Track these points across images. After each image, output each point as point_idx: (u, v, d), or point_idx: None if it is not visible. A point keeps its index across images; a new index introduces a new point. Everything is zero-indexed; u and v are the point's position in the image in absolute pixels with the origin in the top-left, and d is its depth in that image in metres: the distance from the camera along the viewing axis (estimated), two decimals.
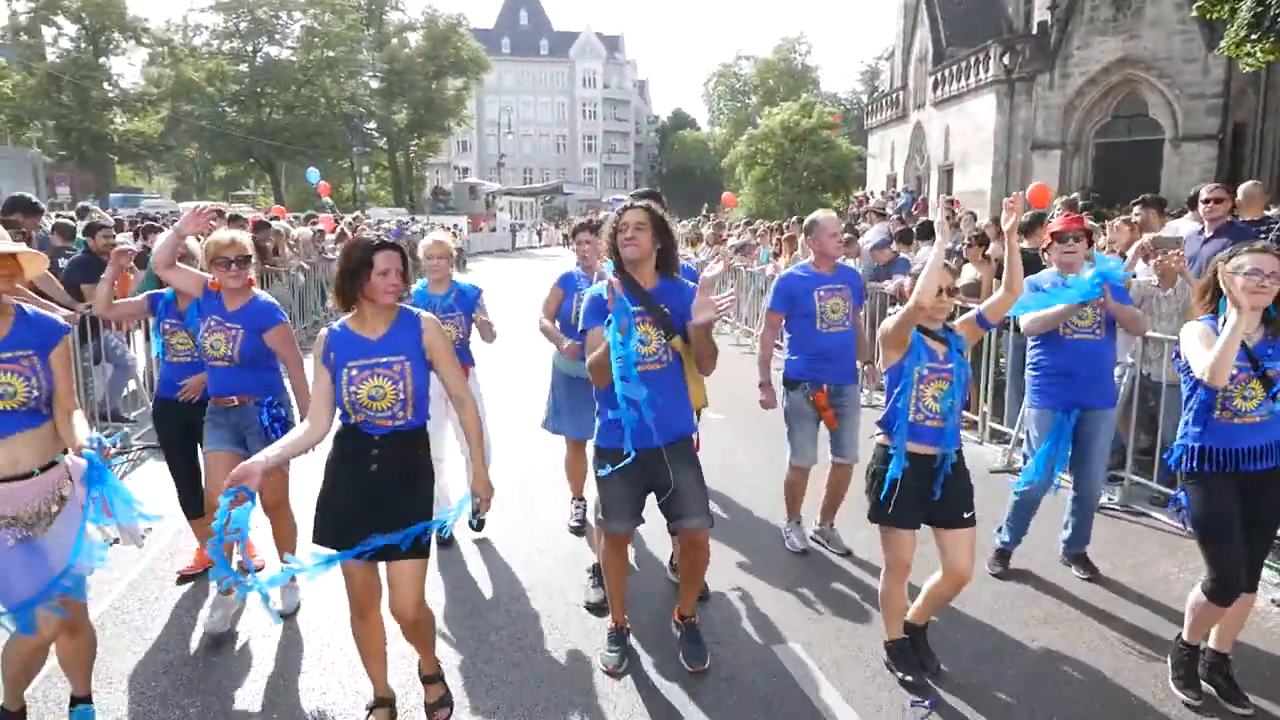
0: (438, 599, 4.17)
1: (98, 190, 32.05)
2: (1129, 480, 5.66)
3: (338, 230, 15.90)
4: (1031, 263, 5.21)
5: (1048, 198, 11.69)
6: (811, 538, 4.90)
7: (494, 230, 42.28)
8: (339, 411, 2.92)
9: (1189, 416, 3.28)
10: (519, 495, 5.61)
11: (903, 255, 8.93)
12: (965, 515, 3.40)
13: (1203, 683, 3.41)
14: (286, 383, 3.96)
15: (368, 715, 3.09)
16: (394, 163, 50.17)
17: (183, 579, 4.36)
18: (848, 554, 4.74)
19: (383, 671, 3.09)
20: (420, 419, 2.95)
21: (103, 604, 4.03)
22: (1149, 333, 5.52)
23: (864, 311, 6.81)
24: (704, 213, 42.14)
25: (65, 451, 2.78)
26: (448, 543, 4.76)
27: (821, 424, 4.66)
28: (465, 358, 4.71)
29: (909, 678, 3.45)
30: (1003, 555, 4.61)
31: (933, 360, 3.33)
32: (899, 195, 27.48)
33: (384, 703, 3.08)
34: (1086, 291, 4.06)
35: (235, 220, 10.85)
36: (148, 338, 6.91)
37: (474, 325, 4.73)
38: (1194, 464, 3.24)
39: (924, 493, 3.37)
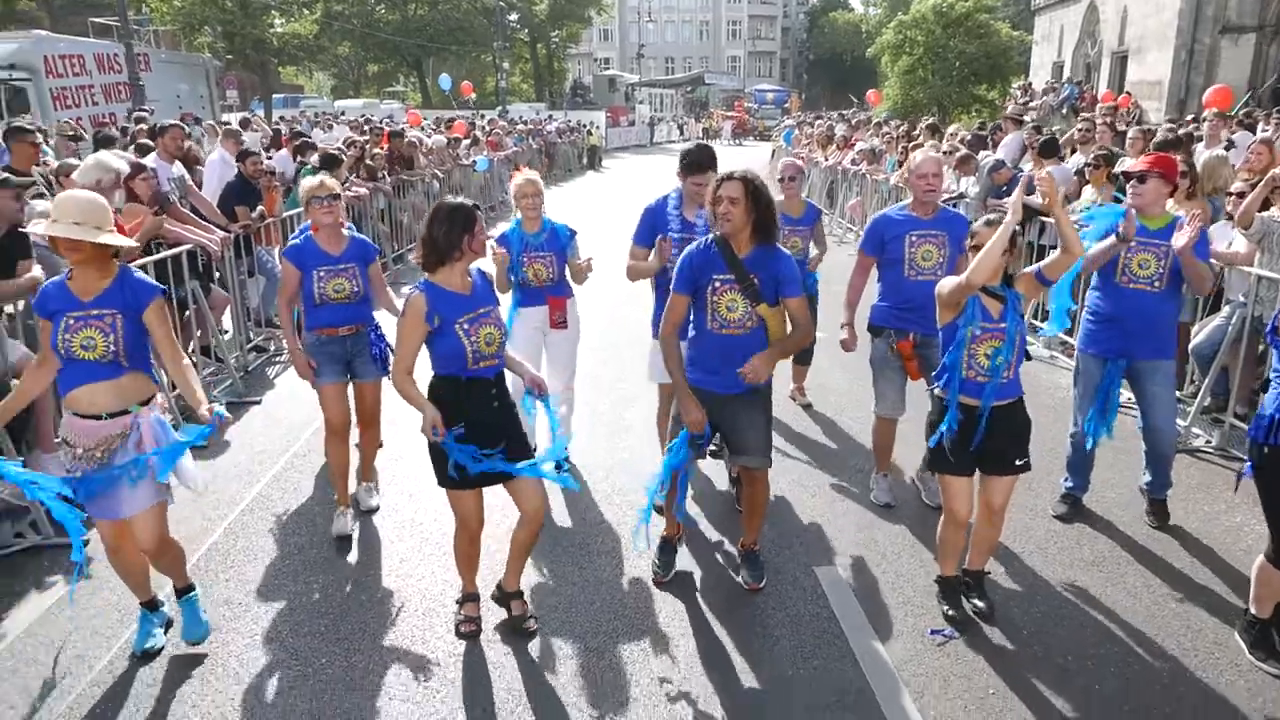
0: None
1: (261, 93, 34.17)
2: (1229, 424, 5.47)
3: (470, 135, 16.42)
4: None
5: (1230, 100, 10.56)
6: (910, 480, 4.99)
7: (632, 124, 42.15)
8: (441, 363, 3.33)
9: None
10: (608, 408, 6.07)
11: (1026, 171, 8.49)
12: (1017, 462, 3.50)
13: None
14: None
15: (459, 606, 3.68)
16: (535, 56, 50.28)
17: None
18: (937, 507, 4.81)
19: (474, 575, 3.68)
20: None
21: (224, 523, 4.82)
22: (1263, 272, 5.23)
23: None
24: (852, 105, 40.30)
25: (146, 403, 3.18)
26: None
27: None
28: (562, 291, 4.90)
29: (951, 612, 3.67)
30: (1067, 499, 4.65)
31: (986, 320, 3.39)
32: (1062, 86, 25.27)
33: (472, 597, 3.68)
34: (1113, 215, 3.98)
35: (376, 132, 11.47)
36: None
37: (567, 266, 4.89)
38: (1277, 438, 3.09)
39: (969, 442, 3.47)
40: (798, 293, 3.55)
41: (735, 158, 28.31)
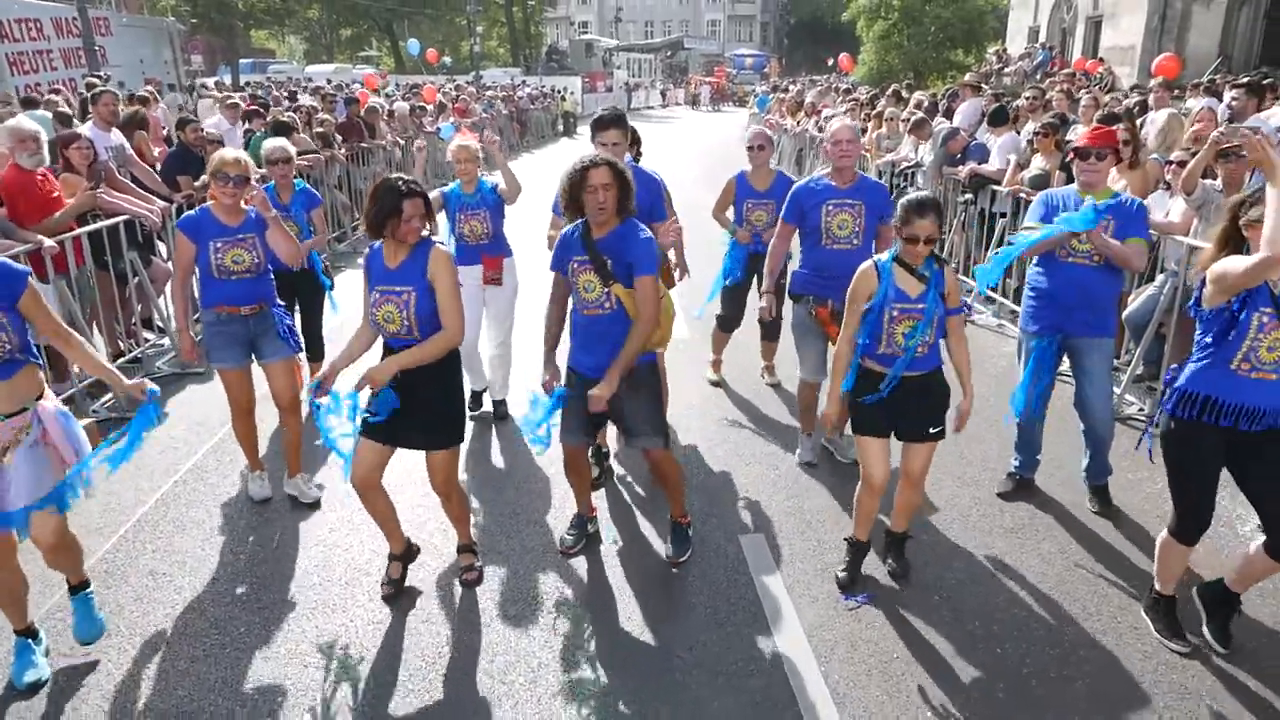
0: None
1: (228, 57, 33.45)
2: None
3: (436, 101, 16.19)
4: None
5: (1177, 69, 10.58)
6: (823, 443, 5.09)
7: (610, 90, 41.65)
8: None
9: (1201, 356, 3.11)
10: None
11: (977, 140, 8.50)
12: (931, 430, 3.56)
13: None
14: None
15: (390, 563, 3.78)
16: (511, 19, 49.49)
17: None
18: (854, 463, 4.90)
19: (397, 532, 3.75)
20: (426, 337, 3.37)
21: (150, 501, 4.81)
22: (1196, 241, 5.27)
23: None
24: (828, 70, 40.01)
25: (38, 398, 3.01)
26: (477, 408, 5.45)
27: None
28: (499, 249, 5.18)
29: (843, 574, 3.76)
30: (1012, 478, 4.65)
31: (902, 300, 3.41)
32: (1036, 52, 25.19)
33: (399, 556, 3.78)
34: (1083, 222, 3.87)
35: (327, 99, 11.30)
36: None
37: (503, 224, 5.19)
38: (1189, 411, 3.12)
39: (886, 407, 3.52)
40: (649, 271, 3.44)
41: (713, 124, 27.89)
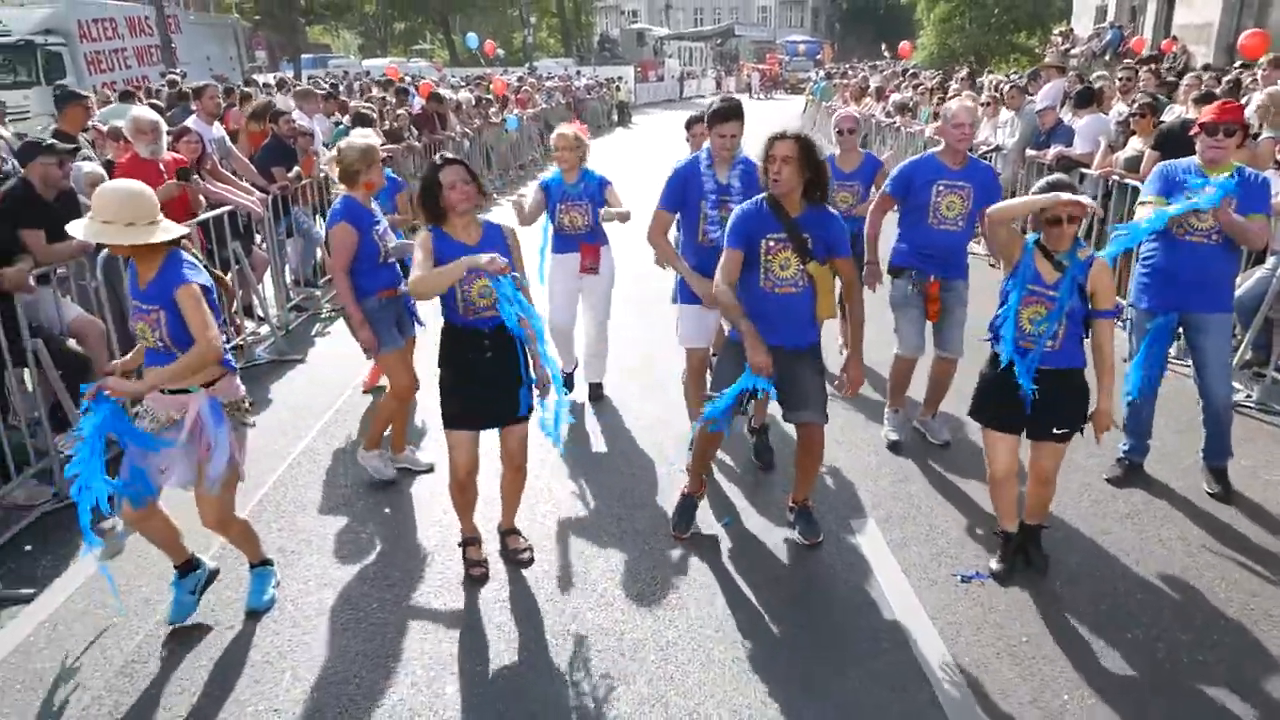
0: (556, 456, 4.84)
1: (289, 52, 34.12)
2: (1271, 378, 5.41)
3: (506, 91, 16.33)
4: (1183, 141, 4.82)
5: (1263, 49, 10.22)
6: (914, 425, 5.09)
7: (661, 79, 41.53)
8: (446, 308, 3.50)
9: None
10: (644, 365, 6.14)
11: (1065, 122, 8.32)
12: (1055, 430, 3.46)
13: None
14: None
15: (465, 548, 3.87)
16: (562, 10, 49.61)
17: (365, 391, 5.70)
18: (945, 445, 4.90)
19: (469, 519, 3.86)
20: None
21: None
22: None
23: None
24: (883, 55, 39.34)
25: (210, 384, 3.17)
26: (570, 388, 5.46)
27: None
28: (596, 237, 5.22)
29: (996, 566, 3.71)
30: (1123, 463, 4.57)
31: (1037, 284, 3.33)
32: (1105, 31, 24.45)
33: (471, 540, 3.88)
34: (1210, 202, 3.83)
35: (402, 93, 11.51)
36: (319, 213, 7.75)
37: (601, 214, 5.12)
38: None
39: (1015, 402, 3.43)
40: (847, 253, 3.61)
41: (768, 112, 27.60)
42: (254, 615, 3.53)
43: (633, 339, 6.56)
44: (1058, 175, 3.37)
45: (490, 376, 3.50)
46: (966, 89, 11.44)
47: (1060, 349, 3.37)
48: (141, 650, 3.34)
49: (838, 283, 3.67)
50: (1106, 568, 3.77)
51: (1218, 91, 7.12)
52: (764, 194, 3.58)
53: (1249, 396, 5.48)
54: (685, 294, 4.45)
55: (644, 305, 6.93)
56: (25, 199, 4.53)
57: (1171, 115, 7.12)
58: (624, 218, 4.95)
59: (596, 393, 5.60)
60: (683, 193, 4.33)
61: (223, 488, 3.27)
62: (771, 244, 3.53)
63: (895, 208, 4.77)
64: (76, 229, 3.06)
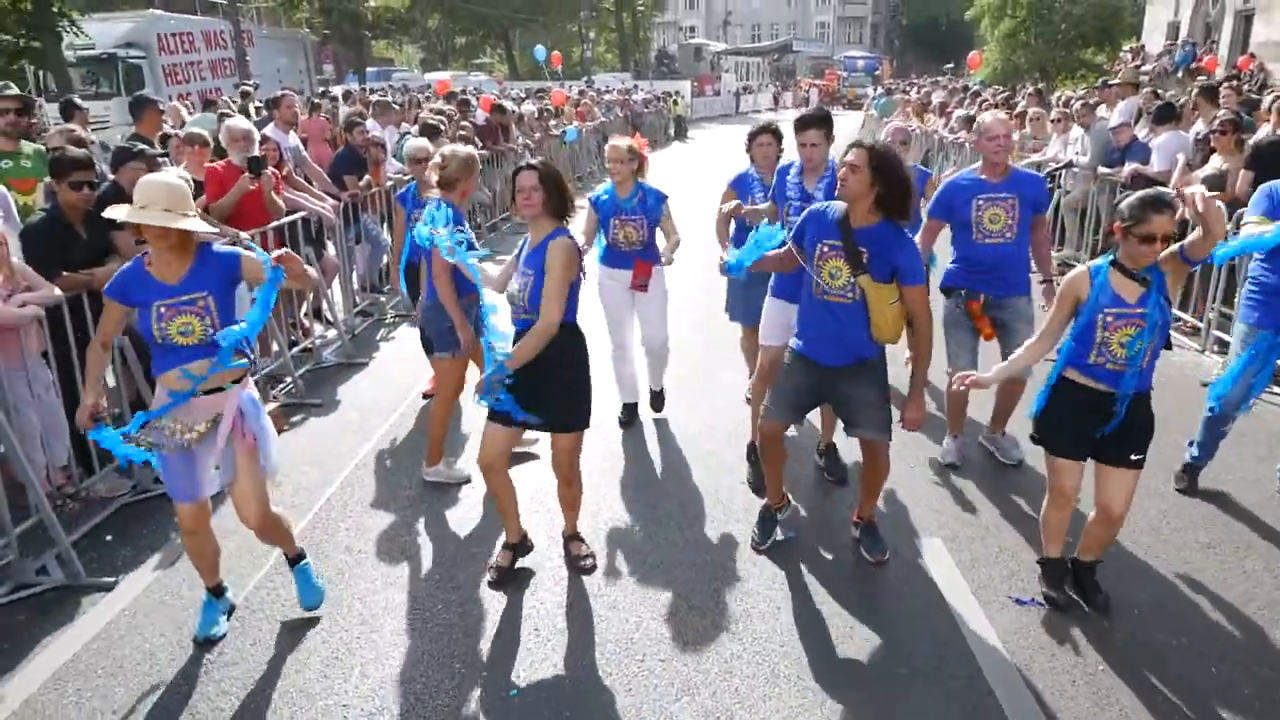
0: (617, 466, 4.85)
1: (355, 65, 35.07)
2: None
3: (566, 103, 16.53)
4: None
5: None
6: (981, 442, 4.99)
7: (718, 94, 41.61)
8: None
9: None
10: (695, 373, 6.12)
11: (1140, 139, 8.11)
12: (1133, 457, 3.30)
13: None
14: None
15: (500, 551, 3.90)
16: (620, 25, 50.08)
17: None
18: (1019, 464, 4.78)
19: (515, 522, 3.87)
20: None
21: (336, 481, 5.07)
22: None
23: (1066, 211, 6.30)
24: (944, 72, 38.93)
25: (239, 379, 3.20)
26: (629, 422, 5.37)
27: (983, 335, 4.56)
28: (650, 255, 5.00)
29: (1052, 594, 3.55)
30: (1190, 470, 4.50)
31: (1118, 305, 3.16)
32: (1177, 48, 23.83)
33: (511, 546, 3.89)
34: None
35: (465, 104, 11.71)
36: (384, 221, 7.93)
37: (658, 230, 5.04)
38: None
39: (1090, 427, 3.29)
40: (917, 282, 3.45)
41: None
42: (313, 608, 3.58)
43: (686, 349, 6.56)
44: (1157, 189, 3.21)
45: (537, 377, 3.49)
46: (1034, 105, 11.21)
47: (1145, 369, 3.25)
48: (217, 642, 3.42)
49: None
50: (1186, 599, 3.63)
51: None
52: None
53: None
54: (779, 286, 4.39)
55: (698, 318, 6.92)
56: (117, 202, 4.69)
57: (1260, 134, 6.88)
58: (674, 248, 4.98)
59: (658, 402, 5.49)
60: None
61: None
62: (825, 249, 3.46)
63: (945, 229, 4.69)
64: (118, 212, 3.05)
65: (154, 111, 6.82)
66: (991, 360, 4.77)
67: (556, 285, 3.44)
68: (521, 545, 3.90)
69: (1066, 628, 3.44)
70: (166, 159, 6.57)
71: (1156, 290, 3.16)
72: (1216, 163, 6.71)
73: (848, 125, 27.90)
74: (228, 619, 3.53)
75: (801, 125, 4.32)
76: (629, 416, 5.40)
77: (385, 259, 7.95)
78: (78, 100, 8.42)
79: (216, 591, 3.51)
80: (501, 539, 3.93)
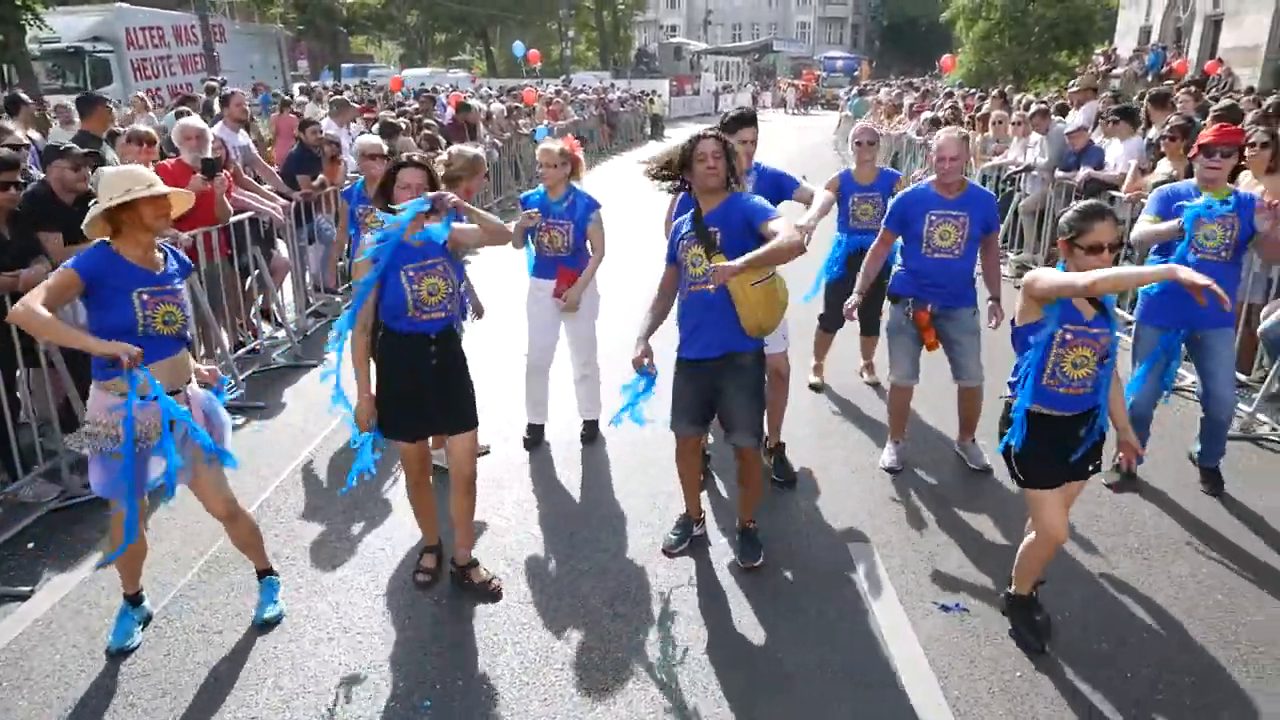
0: (548, 470, 4.81)
1: (330, 62, 34.79)
2: None
3: (535, 103, 16.46)
4: None
5: None
6: (955, 450, 5.00)
7: (697, 93, 41.60)
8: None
9: None
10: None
11: (1096, 144, 8.16)
12: (1090, 468, 3.25)
13: None
14: None
15: (421, 555, 3.86)
16: (601, 23, 50.03)
17: None
18: (987, 470, 4.76)
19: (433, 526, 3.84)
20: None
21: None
22: None
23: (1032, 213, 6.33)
24: (926, 75, 39.08)
25: (188, 383, 3.20)
26: (535, 443, 5.19)
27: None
28: (575, 263, 4.85)
29: (1028, 636, 3.35)
30: (1117, 468, 4.55)
31: (1076, 321, 3.00)
32: (1147, 53, 24.03)
33: (434, 549, 3.86)
34: (1193, 214, 3.89)
35: (430, 101, 11.62)
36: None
37: (587, 237, 4.87)
38: None
39: (1062, 454, 3.16)
40: (770, 215, 3.40)
41: (804, 127, 27.50)
42: (266, 627, 3.49)
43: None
44: (1093, 201, 3.10)
45: (439, 385, 3.45)
46: (998, 108, 11.28)
47: (1094, 390, 3.11)
48: (131, 653, 3.36)
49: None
50: (1111, 605, 3.65)
51: (1242, 108, 6.94)
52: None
53: (1275, 430, 5.29)
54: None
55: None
56: (44, 201, 4.62)
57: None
58: (595, 266, 4.89)
59: (591, 431, 5.24)
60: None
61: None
62: (685, 242, 3.52)
63: (898, 239, 4.69)
64: (88, 219, 3.01)
65: (103, 108, 6.72)
66: (934, 369, 4.82)
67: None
68: (441, 547, 3.88)
69: (989, 634, 3.45)
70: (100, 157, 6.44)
71: (1109, 309, 3.03)
72: (1166, 167, 6.76)
73: (826, 124, 28.08)
74: (143, 629, 3.47)
75: (737, 124, 4.33)
76: (535, 438, 5.19)
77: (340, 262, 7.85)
78: (23, 95, 8.26)
79: (134, 600, 3.46)
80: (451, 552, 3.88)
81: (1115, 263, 3.01)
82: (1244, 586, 3.77)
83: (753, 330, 3.47)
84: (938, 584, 3.79)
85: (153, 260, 3.10)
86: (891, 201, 4.75)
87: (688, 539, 4.05)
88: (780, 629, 3.49)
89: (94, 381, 3.08)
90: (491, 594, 3.69)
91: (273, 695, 3.13)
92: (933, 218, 4.45)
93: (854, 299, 4.72)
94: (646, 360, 3.53)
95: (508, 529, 4.27)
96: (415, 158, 3.48)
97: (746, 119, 4.38)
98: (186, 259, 3.30)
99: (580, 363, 5.12)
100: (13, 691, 3.16)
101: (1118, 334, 3.11)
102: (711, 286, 3.30)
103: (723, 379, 3.57)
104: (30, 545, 4.12)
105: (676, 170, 3.54)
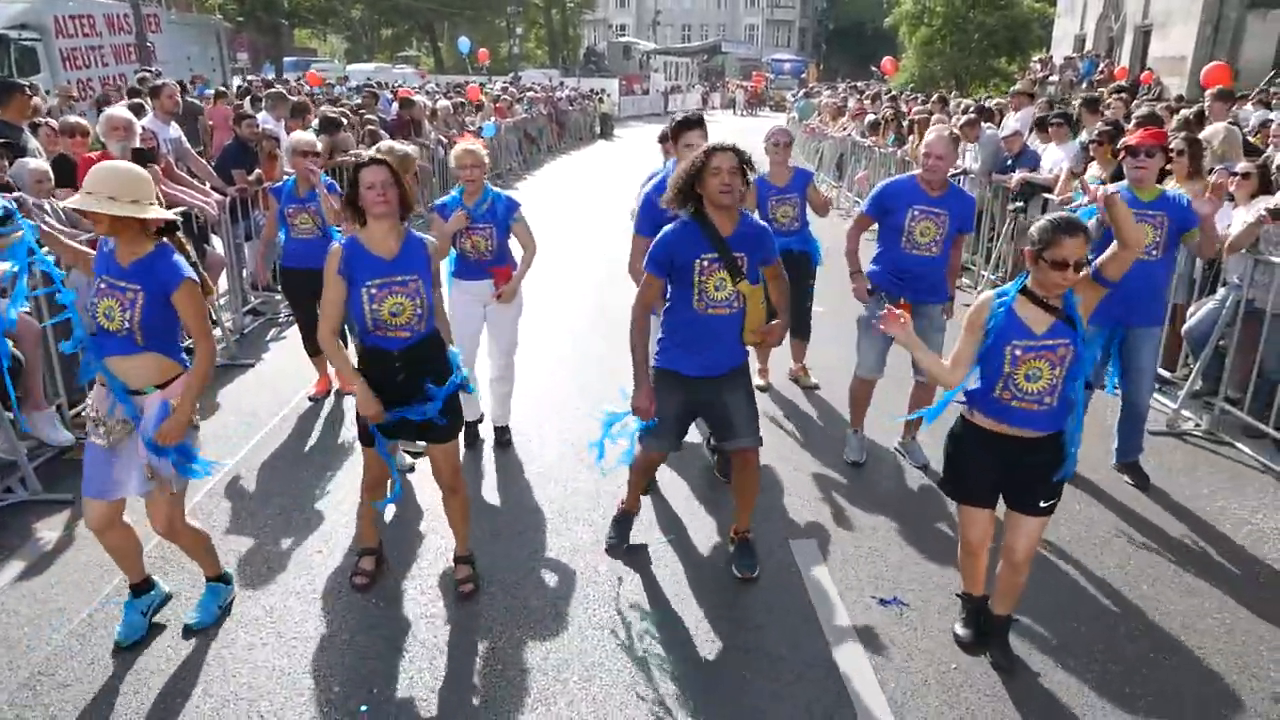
0: (490, 471, 4.76)
1: (273, 55, 33.97)
2: (1220, 408, 5.43)
3: (480, 100, 16.30)
4: None
5: (1226, 81, 10.35)
6: (895, 448, 5.06)
7: (646, 93, 41.66)
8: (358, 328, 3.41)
9: None
10: (599, 387, 6.09)
11: (1031, 148, 8.39)
12: (1042, 504, 3.06)
13: None
14: None
15: (359, 557, 3.80)
16: (550, 21, 49.80)
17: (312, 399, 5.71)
18: (924, 467, 4.84)
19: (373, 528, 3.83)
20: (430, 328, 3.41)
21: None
22: (1267, 257, 5.15)
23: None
24: (871, 75, 39.68)
25: (164, 385, 3.12)
26: (470, 442, 5.06)
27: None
28: (503, 261, 4.78)
29: (961, 632, 3.40)
30: None
31: (1025, 337, 2.89)
32: (1081, 61, 24.79)
33: (372, 551, 3.81)
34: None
35: (373, 97, 11.43)
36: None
37: (510, 235, 4.78)
38: None
39: (996, 472, 3.07)
40: (777, 257, 3.56)
41: (752, 128, 27.78)
42: (191, 631, 3.40)
43: (539, 375, 6.51)
44: (1067, 215, 2.93)
45: (405, 397, 3.39)
46: (938, 112, 11.51)
47: (1055, 407, 2.96)
48: (50, 662, 3.23)
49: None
50: (1045, 594, 3.74)
51: (1162, 116, 7.21)
52: (687, 214, 3.42)
53: (1198, 425, 5.50)
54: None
55: (597, 329, 6.89)
56: None
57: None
58: (526, 266, 4.82)
59: (503, 438, 5.12)
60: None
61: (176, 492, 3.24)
62: (706, 264, 3.38)
63: (873, 226, 4.74)
64: (69, 201, 3.05)
65: (21, 97, 6.42)
66: (899, 365, 4.85)
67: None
68: (380, 549, 3.83)
69: (925, 627, 3.51)
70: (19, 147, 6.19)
71: (1077, 322, 2.92)
72: (1095, 171, 6.97)
73: (775, 124, 28.33)
74: (149, 620, 3.41)
75: (684, 127, 4.27)
76: (469, 436, 5.03)
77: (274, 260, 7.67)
78: None
79: (138, 591, 3.40)
80: (390, 554, 3.85)
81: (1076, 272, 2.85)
82: (1169, 576, 3.90)
83: (748, 338, 3.55)
84: (877, 579, 3.84)
85: (121, 254, 3.04)
86: (873, 188, 4.76)
87: (628, 536, 4.04)
88: (722, 626, 3.50)
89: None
90: (460, 593, 3.67)
91: (203, 703, 3.04)
92: (915, 212, 4.45)
93: (858, 281, 4.71)
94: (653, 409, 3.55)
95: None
96: (376, 155, 3.42)
97: (694, 122, 4.30)
98: (179, 269, 3.06)
99: (499, 364, 4.99)
100: None
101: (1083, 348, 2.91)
102: (732, 310, 3.43)
103: (724, 389, 3.56)
104: None
105: (690, 189, 3.36)
